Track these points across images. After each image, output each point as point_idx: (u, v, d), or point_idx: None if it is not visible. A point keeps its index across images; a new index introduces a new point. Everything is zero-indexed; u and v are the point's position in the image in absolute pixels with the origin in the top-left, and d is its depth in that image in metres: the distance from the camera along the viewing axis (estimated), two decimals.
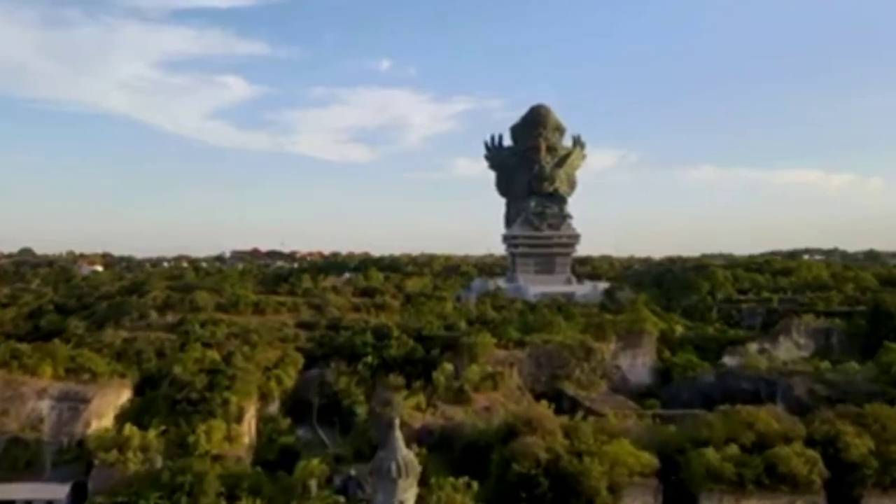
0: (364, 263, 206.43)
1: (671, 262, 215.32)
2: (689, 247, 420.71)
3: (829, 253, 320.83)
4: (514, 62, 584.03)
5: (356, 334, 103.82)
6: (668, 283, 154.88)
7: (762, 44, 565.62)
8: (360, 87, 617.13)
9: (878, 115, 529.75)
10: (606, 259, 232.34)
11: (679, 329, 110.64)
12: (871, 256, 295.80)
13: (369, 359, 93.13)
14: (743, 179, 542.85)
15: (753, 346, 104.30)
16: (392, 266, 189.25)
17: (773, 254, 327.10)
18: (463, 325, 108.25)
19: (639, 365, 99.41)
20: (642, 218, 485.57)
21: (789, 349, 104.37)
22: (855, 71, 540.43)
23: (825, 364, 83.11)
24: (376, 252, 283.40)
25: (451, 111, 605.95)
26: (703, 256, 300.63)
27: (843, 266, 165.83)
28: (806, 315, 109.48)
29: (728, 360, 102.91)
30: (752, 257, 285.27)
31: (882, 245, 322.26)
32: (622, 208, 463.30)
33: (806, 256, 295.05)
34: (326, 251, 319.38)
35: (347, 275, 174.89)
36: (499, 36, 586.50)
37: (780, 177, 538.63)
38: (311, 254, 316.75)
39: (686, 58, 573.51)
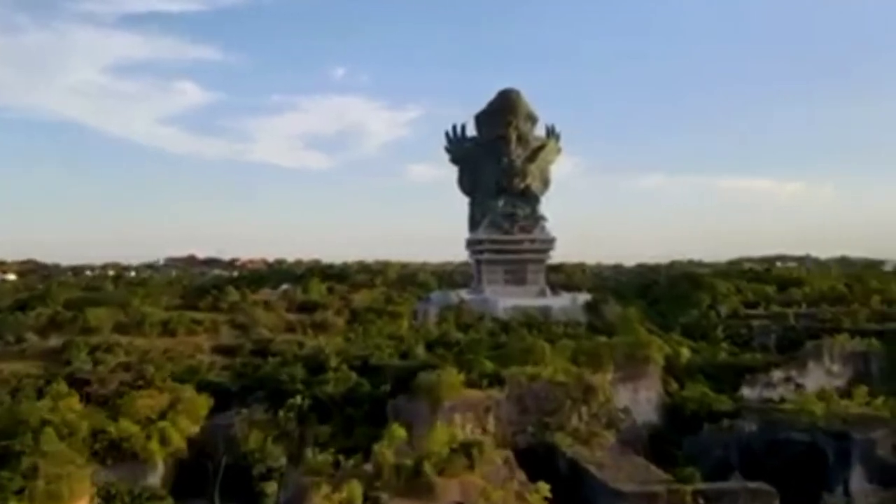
0: (310, 271, 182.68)
1: (652, 270, 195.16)
2: (652, 253, 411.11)
3: (802, 259, 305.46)
4: (467, 68, 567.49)
5: (284, 365, 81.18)
6: (657, 294, 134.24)
7: (709, 52, 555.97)
8: (316, 94, 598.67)
9: (825, 123, 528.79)
10: (580, 266, 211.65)
11: (685, 353, 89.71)
12: (846, 263, 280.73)
13: (297, 399, 70.51)
14: (696, 186, 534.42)
15: (777, 374, 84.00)
16: (340, 275, 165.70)
17: (745, 260, 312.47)
18: (421, 350, 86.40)
19: (642, 401, 78.05)
20: (598, 224, 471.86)
21: (820, 377, 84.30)
22: (800, 78, 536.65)
23: (882, 399, 62.73)
24: (331, 259, 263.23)
25: (406, 118, 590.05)
26: (675, 263, 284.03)
27: (856, 276, 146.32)
28: (839, 335, 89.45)
29: (747, 393, 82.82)
30: (731, 263, 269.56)
31: (851, 251, 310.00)
32: (577, 213, 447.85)
33: (779, 263, 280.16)
34: (271, 258, 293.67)
35: (286, 286, 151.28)
36: (451, 42, 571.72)
37: (733, 184, 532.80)
38: (252, 261, 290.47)
39: (633, 63, 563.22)
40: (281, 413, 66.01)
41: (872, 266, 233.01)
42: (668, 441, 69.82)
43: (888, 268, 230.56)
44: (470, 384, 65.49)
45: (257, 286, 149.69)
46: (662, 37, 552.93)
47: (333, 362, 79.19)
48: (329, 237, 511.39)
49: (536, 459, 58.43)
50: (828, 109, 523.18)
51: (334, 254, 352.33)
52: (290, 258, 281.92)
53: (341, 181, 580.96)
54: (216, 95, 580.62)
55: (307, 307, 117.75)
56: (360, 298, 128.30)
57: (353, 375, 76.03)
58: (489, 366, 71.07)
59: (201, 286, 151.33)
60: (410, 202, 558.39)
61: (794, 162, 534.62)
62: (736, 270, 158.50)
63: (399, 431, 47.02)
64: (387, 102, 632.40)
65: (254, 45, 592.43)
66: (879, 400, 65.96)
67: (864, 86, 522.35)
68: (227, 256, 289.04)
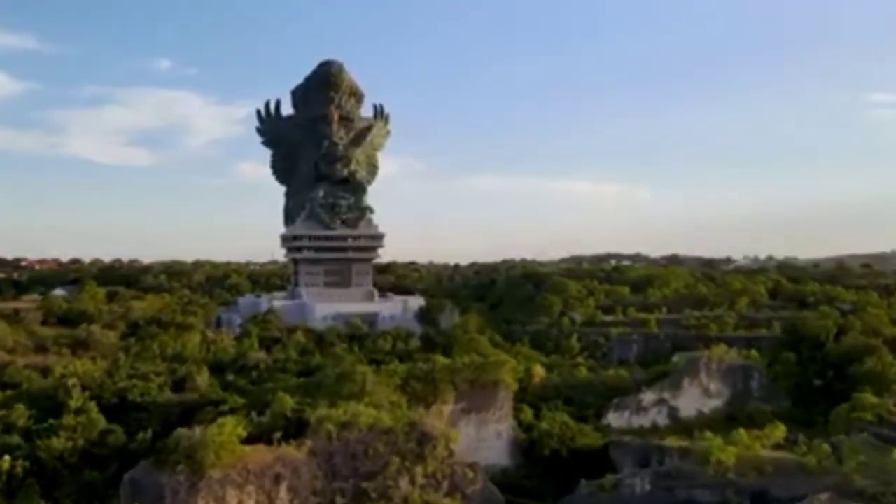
0: (96, 273, 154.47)
1: (488, 269, 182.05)
2: (485, 253, 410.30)
3: (634, 258, 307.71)
4: (298, 66, 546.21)
5: (5, 406, 58.06)
6: (498, 296, 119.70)
7: (527, 61, 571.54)
8: (139, 87, 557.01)
9: (638, 129, 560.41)
10: (412, 266, 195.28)
11: (539, 371, 74.71)
12: (676, 262, 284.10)
13: (6, 461, 48.63)
14: (526, 188, 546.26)
15: (649, 396, 70.87)
16: (129, 278, 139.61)
17: (579, 258, 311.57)
18: (204, 378, 65.81)
19: (491, 437, 62.10)
20: (432, 223, 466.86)
21: (696, 398, 72.05)
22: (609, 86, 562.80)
23: (824, 447, 49.07)
24: (146, 259, 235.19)
25: (238, 114, 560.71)
26: (508, 262, 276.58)
27: (708, 276, 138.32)
28: (715, 347, 77.67)
29: (615, 420, 69.15)
30: (563, 261, 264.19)
31: (682, 250, 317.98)
32: (410, 212, 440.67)
33: (613, 262, 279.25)
34: (79, 259, 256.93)
35: (60, 290, 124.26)
36: (282, 38, 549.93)
37: (559, 186, 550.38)
38: (44, 261, 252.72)
39: (461, 67, 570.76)
40: None
41: (710, 265, 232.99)
42: (528, 493, 54.14)
43: (729, 266, 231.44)
44: (258, 435, 46.17)
45: (20, 292, 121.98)
46: (495, 48, 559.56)
47: (76, 400, 56.98)
48: (143, 236, 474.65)
49: None
50: (640, 116, 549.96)
51: (147, 253, 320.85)
52: (95, 259, 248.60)
53: (163, 178, 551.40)
54: (30, 86, 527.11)
55: (70, 320, 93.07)
56: (146, 306, 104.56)
57: (102, 420, 54.71)
58: (289, 403, 51.84)
59: None
60: (237, 200, 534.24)
61: (609, 165, 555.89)
62: (582, 269, 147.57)
63: None
64: (216, 98, 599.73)
65: (71, 35, 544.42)
66: (777, 429, 53.66)
67: (670, 93, 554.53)
68: (10, 255, 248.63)
